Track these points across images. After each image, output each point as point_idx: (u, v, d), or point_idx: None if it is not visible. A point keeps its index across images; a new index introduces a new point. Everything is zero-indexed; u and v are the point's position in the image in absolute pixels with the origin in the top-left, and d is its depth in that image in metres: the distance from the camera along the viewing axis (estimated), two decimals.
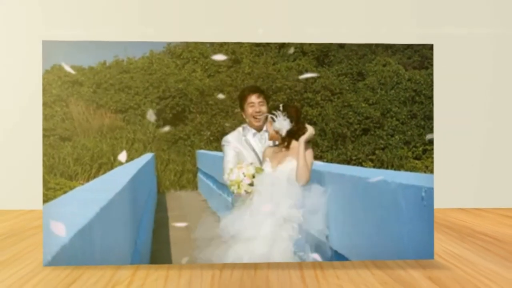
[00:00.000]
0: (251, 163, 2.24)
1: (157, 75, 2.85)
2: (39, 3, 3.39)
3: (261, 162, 2.33)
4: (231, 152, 2.34)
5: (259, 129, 2.39)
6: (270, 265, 2.04)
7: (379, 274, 1.98)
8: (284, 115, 2.25)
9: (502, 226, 2.99)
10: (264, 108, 2.34)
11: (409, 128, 3.28)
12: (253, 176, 2.17)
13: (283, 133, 2.28)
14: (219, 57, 3.07)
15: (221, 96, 3.11)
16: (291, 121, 2.26)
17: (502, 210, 3.60)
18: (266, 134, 2.37)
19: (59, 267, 1.97)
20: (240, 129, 2.40)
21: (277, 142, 2.32)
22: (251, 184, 2.17)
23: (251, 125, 2.37)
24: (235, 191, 2.17)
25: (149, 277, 1.90)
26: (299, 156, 2.24)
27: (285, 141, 2.30)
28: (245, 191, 2.16)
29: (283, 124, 2.26)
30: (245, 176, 2.15)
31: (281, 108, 2.25)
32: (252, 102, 2.32)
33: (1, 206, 3.37)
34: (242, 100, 2.35)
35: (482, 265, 2.10)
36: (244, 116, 2.38)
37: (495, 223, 3.12)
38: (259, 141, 2.37)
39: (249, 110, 2.34)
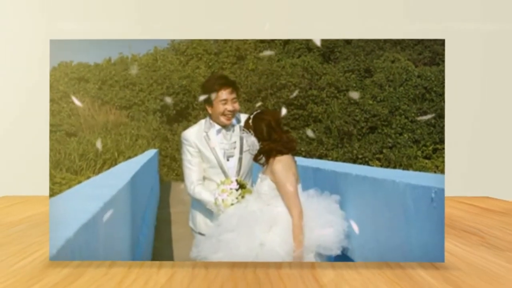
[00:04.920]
0: (238, 188, 1.97)
1: (161, 72, 2.85)
2: (46, 1, 3.45)
3: (221, 164, 2.08)
4: (191, 157, 2.02)
5: (226, 126, 2.05)
6: (269, 265, 2.01)
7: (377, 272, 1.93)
8: (251, 134, 1.88)
9: (450, 208, 3.28)
10: (237, 106, 2.00)
11: (418, 126, 3.19)
12: (232, 204, 1.98)
13: (254, 152, 1.99)
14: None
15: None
16: (258, 140, 1.99)
17: (466, 198, 3.72)
18: (237, 129, 2.02)
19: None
20: (202, 122, 2.08)
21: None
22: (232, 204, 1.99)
23: (218, 121, 2.06)
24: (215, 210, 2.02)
25: (159, 274, 1.89)
26: (280, 192, 1.84)
27: (258, 158, 2.02)
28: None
29: (253, 142, 2.00)
30: (223, 202, 1.96)
31: (247, 123, 1.93)
32: (225, 99, 2.00)
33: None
34: (211, 94, 1.98)
35: None
36: (209, 112, 2.04)
37: (446, 207, 3.45)
38: (224, 138, 2.08)
39: (220, 107, 2.00)
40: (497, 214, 3.17)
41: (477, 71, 3.45)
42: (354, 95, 3.07)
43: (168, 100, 2.81)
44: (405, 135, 3.23)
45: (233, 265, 1.97)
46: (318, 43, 2.84)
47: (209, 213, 2.23)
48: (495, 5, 3.46)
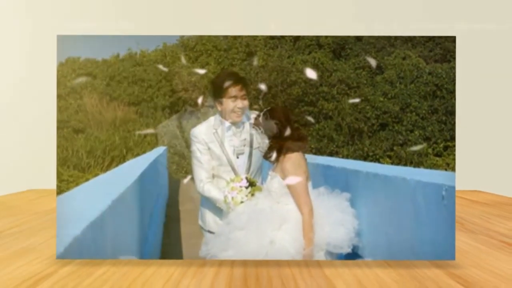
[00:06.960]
0: (248, 186, 1.90)
1: (170, 68, 2.83)
2: None
3: (231, 161, 2.08)
4: (200, 154, 2.01)
5: (236, 123, 2.05)
6: (279, 263, 1.99)
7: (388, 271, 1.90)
8: (261, 131, 1.87)
9: None
10: (247, 102, 1.99)
11: (429, 123, 3.16)
12: (241, 202, 1.96)
13: (264, 149, 1.89)
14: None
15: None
16: (268, 138, 1.89)
17: (457, 191, 3.75)
18: (247, 126, 2.02)
19: None
20: (211, 119, 2.07)
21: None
22: (242, 202, 1.96)
23: (228, 118, 2.05)
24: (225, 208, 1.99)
25: (171, 272, 1.86)
26: (291, 191, 1.85)
27: (268, 156, 1.91)
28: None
29: (263, 139, 1.90)
30: (232, 200, 1.94)
31: (257, 120, 1.87)
32: (235, 96, 1.98)
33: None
34: (221, 91, 1.97)
35: None
36: (219, 109, 2.03)
37: None
38: (234, 135, 2.06)
39: (230, 104, 2.00)
40: (481, 205, 3.19)
41: (488, 68, 3.41)
42: (200, 71, 2.89)
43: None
44: (416, 132, 3.20)
45: (243, 263, 1.94)
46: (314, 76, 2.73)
47: (219, 211, 2.19)
48: (507, 3, 3.43)
